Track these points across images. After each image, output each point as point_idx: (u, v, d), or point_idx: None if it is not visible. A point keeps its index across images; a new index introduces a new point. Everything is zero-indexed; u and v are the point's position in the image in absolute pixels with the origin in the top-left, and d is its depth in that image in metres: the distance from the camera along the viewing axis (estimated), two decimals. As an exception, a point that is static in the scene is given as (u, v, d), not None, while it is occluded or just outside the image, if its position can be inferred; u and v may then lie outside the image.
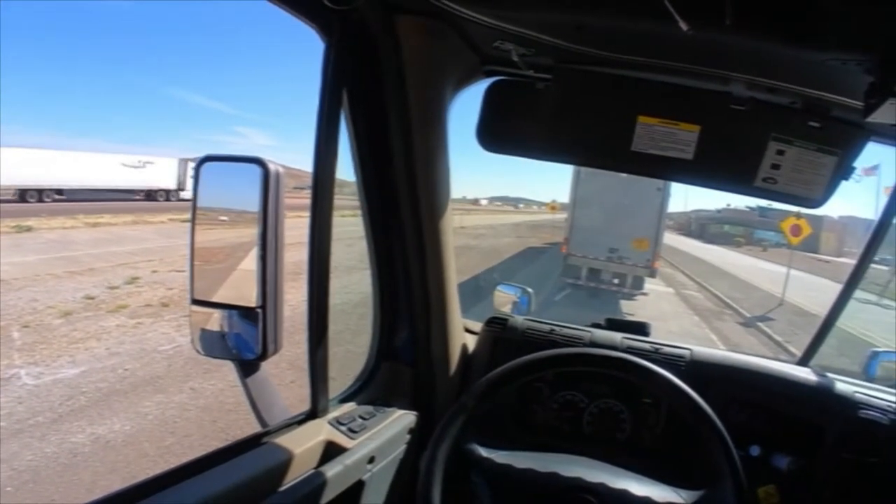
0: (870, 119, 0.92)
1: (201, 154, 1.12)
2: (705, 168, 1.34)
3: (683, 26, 0.83)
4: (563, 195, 13.85)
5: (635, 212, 12.29)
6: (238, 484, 0.97)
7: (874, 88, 0.89)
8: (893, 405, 1.43)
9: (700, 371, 1.54)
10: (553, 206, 26.44)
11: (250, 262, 1.06)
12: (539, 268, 17.33)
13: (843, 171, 1.33)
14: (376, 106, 1.24)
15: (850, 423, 1.43)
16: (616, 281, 13.03)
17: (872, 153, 1.41)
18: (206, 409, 5.22)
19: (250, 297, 1.07)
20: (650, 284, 13.80)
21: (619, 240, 12.50)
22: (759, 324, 12.61)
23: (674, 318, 12.47)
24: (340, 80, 1.09)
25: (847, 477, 1.41)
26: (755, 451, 1.47)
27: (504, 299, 2.27)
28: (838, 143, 1.30)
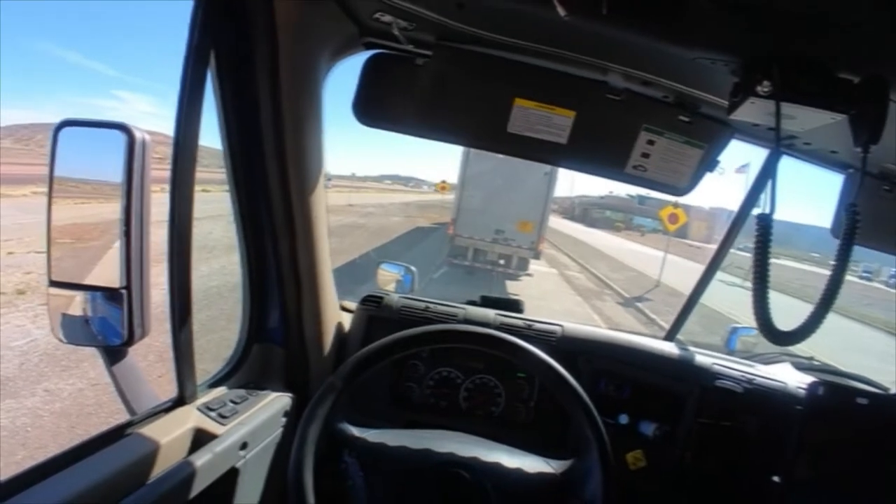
0: (733, 116, 1.01)
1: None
2: (578, 153, 1.41)
3: (561, 11, 0.85)
4: (454, 176, 13.94)
5: (522, 195, 12.55)
6: (99, 482, 0.89)
7: (738, 88, 0.97)
8: (746, 375, 1.62)
9: (571, 346, 1.65)
10: (443, 187, 26.60)
11: (115, 239, 0.97)
12: (427, 248, 17.44)
13: (709, 163, 1.47)
14: (246, 72, 1.16)
15: (707, 392, 1.59)
16: (501, 262, 13.29)
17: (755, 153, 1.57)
18: (64, 414, 4.56)
19: (114, 278, 0.98)
20: (535, 265, 14.29)
21: (506, 222, 12.75)
22: (637, 303, 13.56)
23: (557, 298, 13.06)
24: (207, 40, 1.01)
25: (704, 440, 1.58)
26: (624, 419, 1.61)
27: (387, 278, 2.30)
28: (705, 137, 1.43)
